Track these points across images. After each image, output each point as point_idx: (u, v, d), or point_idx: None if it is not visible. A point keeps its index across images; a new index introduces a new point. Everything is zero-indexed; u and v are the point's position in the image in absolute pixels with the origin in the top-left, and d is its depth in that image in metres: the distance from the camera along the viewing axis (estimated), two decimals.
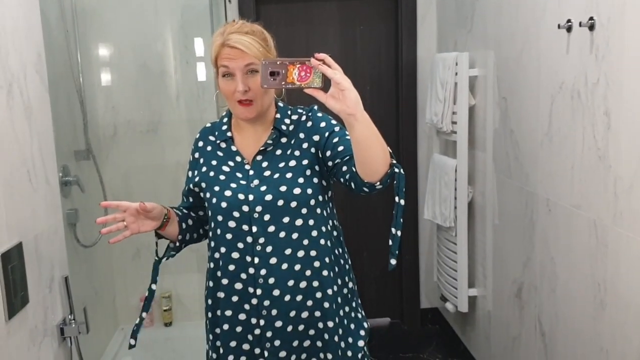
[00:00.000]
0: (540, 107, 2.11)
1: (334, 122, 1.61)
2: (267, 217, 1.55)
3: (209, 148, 1.66)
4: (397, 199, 1.42)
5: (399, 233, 1.44)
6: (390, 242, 1.44)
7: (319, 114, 1.64)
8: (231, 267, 1.59)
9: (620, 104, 1.64)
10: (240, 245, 1.57)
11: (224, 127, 1.65)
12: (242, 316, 1.60)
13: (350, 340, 1.67)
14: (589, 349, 1.87)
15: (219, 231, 1.59)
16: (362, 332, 1.70)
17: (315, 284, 1.59)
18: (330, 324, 1.62)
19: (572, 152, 1.90)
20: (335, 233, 1.67)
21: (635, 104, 1.57)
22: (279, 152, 1.60)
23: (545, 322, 2.17)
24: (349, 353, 1.66)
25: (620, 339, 1.70)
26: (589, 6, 1.75)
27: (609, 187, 1.70)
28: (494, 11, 2.52)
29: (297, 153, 1.59)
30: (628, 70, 1.59)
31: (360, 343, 1.68)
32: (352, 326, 1.69)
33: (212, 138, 1.67)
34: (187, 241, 1.71)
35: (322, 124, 1.60)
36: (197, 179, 1.64)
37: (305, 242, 1.58)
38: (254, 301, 1.58)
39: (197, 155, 1.68)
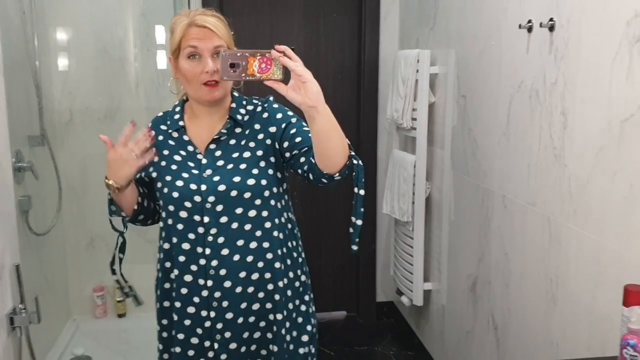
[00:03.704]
0: (499, 106, 2.15)
1: (290, 113, 1.60)
2: (219, 208, 1.53)
3: (160, 137, 1.62)
4: (356, 189, 1.44)
5: (359, 222, 1.48)
6: (351, 230, 1.48)
7: (275, 105, 1.62)
8: (181, 259, 1.56)
9: (576, 104, 1.68)
10: (192, 236, 1.55)
11: (177, 117, 1.62)
12: (190, 309, 1.58)
13: (294, 333, 1.66)
14: (540, 343, 1.92)
15: (170, 221, 1.57)
16: (309, 327, 1.69)
17: (267, 275, 1.58)
18: (279, 316, 1.61)
19: (528, 151, 1.94)
20: (289, 225, 1.66)
21: (592, 105, 1.61)
22: (233, 142, 1.58)
23: (498, 317, 2.22)
24: (291, 347, 1.65)
25: (570, 333, 1.75)
26: (550, 7, 1.79)
27: (564, 185, 1.75)
28: (456, 10, 2.55)
29: (251, 144, 1.57)
30: (585, 71, 1.64)
31: (305, 338, 1.67)
32: (300, 320, 1.68)
33: (163, 127, 1.64)
34: (146, 208, 1.64)
35: (279, 115, 1.59)
36: (150, 168, 1.61)
37: (258, 233, 1.56)
38: (205, 293, 1.56)
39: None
